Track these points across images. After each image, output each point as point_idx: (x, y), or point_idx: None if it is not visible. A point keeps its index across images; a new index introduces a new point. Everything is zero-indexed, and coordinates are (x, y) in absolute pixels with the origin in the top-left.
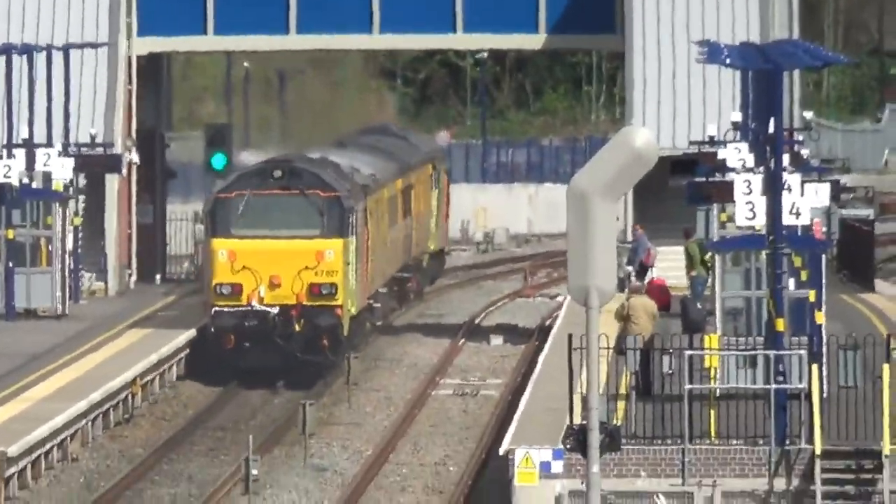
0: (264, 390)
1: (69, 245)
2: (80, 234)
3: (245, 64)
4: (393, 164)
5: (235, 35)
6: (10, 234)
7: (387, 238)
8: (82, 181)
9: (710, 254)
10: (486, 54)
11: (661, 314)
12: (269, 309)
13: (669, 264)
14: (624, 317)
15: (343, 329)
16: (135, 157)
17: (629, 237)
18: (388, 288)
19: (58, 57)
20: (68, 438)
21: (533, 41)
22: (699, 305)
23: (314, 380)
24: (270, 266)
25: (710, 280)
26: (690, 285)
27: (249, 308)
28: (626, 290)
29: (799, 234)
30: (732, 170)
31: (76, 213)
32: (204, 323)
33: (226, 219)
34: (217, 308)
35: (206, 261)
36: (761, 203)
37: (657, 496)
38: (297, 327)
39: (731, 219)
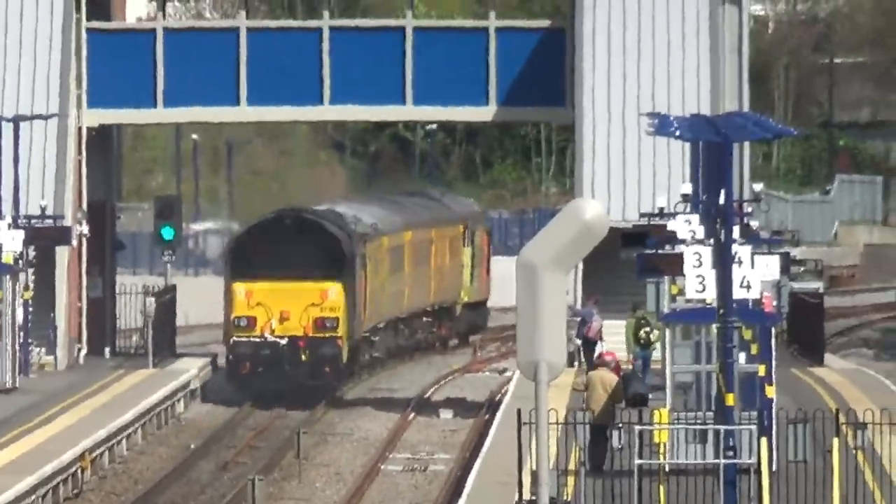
0: (213, 467)
1: (19, 318)
2: (30, 308)
3: (193, 136)
4: (405, 218)
5: (185, 107)
6: None
7: (388, 282)
8: (32, 253)
9: (644, 329)
10: (435, 126)
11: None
12: (279, 340)
13: (619, 337)
14: (582, 390)
15: (343, 357)
16: (85, 229)
17: (579, 309)
18: (398, 327)
19: (7, 129)
20: None
21: (483, 113)
22: (641, 378)
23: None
24: (281, 303)
25: (647, 353)
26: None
27: (263, 339)
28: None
29: (749, 307)
30: (682, 242)
31: (26, 287)
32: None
33: (242, 263)
34: (235, 339)
35: (225, 299)
36: (711, 276)
37: None
38: (303, 357)
39: (681, 291)
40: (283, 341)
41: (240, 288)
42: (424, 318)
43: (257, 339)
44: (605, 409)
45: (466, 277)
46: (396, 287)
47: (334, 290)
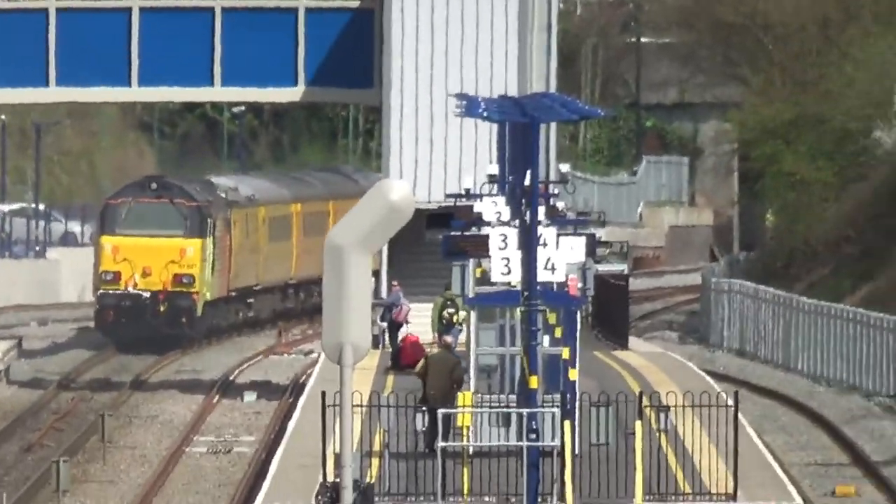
0: (17, 450)
1: None
2: None
3: (0, 116)
4: (296, 192)
5: None
6: None
7: (266, 248)
8: None
9: (448, 310)
10: (243, 108)
11: (413, 371)
12: (142, 293)
13: (425, 320)
14: (422, 373)
15: (198, 310)
16: None
17: (384, 293)
18: (286, 291)
19: None
20: None
21: (291, 94)
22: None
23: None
24: (144, 258)
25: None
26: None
27: (127, 291)
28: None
29: (554, 290)
30: (488, 223)
31: None
32: None
33: (112, 220)
34: (102, 291)
35: (94, 254)
36: (517, 258)
37: None
38: (162, 308)
39: (486, 274)
40: (146, 294)
41: (107, 243)
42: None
43: (122, 292)
44: (447, 392)
45: None
46: (280, 254)
47: (192, 249)
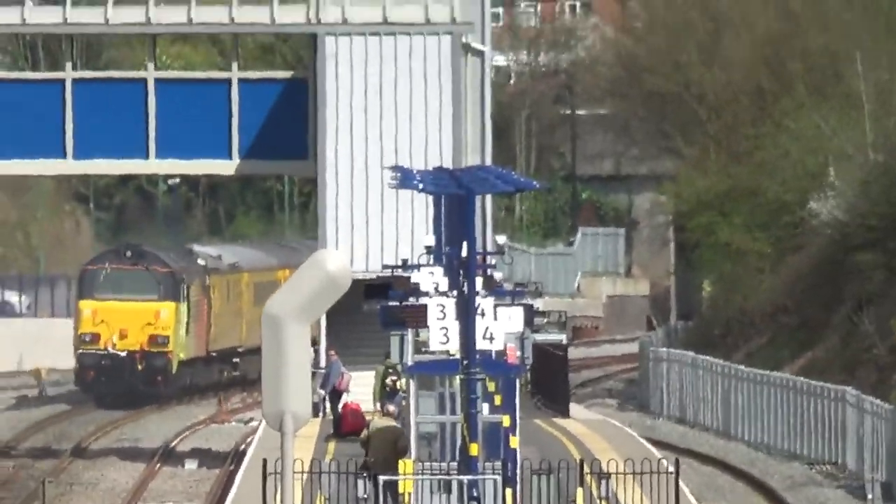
0: None
1: None
2: None
3: None
4: (283, 260)
5: None
6: None
7: (246, 311)
8: None
9: (391, 378)
10: (178, 180)
11: (354, 439)
12: (119, 353)
13: (365, 389)
14: (365, 442)
15: (173, 369)
16: None
17: (323, 362)
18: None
19: None
20: None
21: (226, 167)
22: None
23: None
24: (121, 321)
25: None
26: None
27: (106, 351)
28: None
29: (493, 358)
30: (426, 294)
31: None
32: None
33: (90, 285)
34: (82, 351)
35: (74, 317)
36: (455, 327)
37: None
38: (139, 367)
39: (425, 343)
40: (123, 354)
41: (86, 307)
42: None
43: (101, 352)
44: (390, 462)
45: None
46: (245, 318)
47: (166, 311)
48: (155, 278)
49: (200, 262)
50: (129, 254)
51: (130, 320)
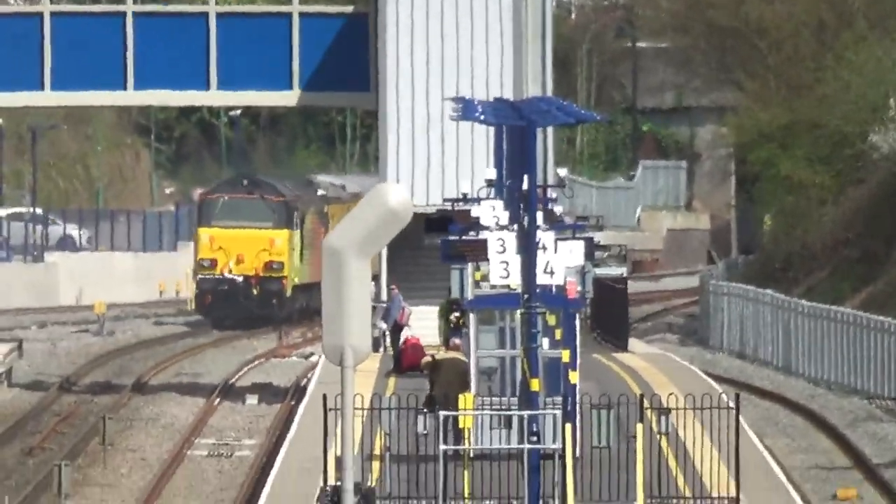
0: (18, 453)
1: None
2: None
3: None
4: None
5: None
6: None
7: None
8: None
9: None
10: (239, 112)
11: (415, 374)
12: (236, 277)
13: (426, 323)
14: (431, 374)
15: (287, 292)
16: None
17: (384, 296)
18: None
19: None
20: None
21: (287, 98)
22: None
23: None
24: (238, 247)
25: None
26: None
27: (223, 276)
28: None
29: (553, 292)
30: (487, 227)
31: None
32: None
33: (209, 213)
34: (200, 276)
35: (193, 243)
36: (515, 262)
37: None
38: (254, 291)
39: (485, 277)
40: (240, 279)
41: (204, 234)
42: None
43: (218, 277)
44: (457, 392)
45: None
46: None
47: (280, 239)
48: (269, 207)
49: (320, 191)
50: (245, 183)
51: (246, 247)
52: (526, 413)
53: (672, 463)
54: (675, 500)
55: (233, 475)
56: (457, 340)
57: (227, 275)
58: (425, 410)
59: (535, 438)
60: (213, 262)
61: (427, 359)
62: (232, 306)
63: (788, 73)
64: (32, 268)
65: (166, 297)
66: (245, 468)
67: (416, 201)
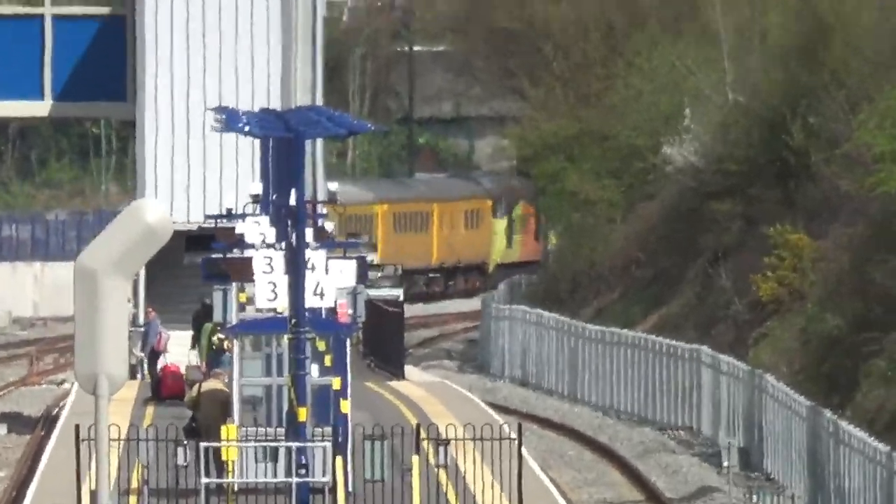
0: None
1: None
2: None
3: None
4: (380, 194)
5: None
6: None
7: None
8: None
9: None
10: None
11: (174, 403)
12: None
13: (185, 349)
14: (194, 405)
15: None
16: None
17: (142, 320)
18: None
19: None
20: None
21: (38, 108)
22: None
23: None
24: None
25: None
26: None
27: None
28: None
29: (323, 316)
30: (252, 246)
31: None
32: None
33: None
34: None
35: None
36: (283, 282)
37: None
38: None
39: (250, 300)
40: None
41: None
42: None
43: None
44: (219, 424)
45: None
46: None
47: None
48: None
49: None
50: None
51: None
52: (294, 444)
53: (451, 497)
54: None
55: None
56: (218, 370)
57: None
58: (185, 442)
59: (303, 471)
60: None
61: (191, 393)
62: None
63: (576, 81)
64: None
65: None
66: None
67: (176, 218)
